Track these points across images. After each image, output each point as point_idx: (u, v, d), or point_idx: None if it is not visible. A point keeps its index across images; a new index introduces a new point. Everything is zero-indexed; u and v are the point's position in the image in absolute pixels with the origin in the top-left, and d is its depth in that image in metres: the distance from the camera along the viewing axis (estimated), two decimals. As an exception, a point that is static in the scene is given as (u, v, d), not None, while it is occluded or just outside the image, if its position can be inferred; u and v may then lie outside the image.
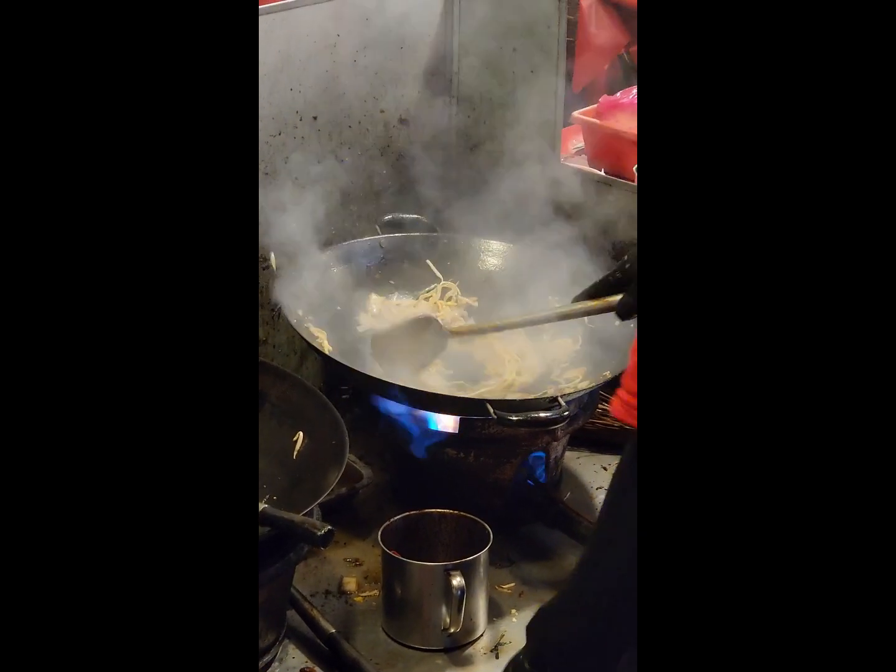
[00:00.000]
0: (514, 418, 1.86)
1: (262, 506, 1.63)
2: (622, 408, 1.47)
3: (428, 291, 2.30)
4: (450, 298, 2.29)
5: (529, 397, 1.96)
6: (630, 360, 1.48)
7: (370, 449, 2.25)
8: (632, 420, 1.42)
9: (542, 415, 1.87)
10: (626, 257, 1.72)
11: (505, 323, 2.06)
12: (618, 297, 1.68)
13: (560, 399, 1.90)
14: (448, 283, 2.30)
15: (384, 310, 2.26)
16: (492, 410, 1.87)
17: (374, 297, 2.26)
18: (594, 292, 1.77)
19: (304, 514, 1.62)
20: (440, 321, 2.10)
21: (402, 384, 1.93)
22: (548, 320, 1.98)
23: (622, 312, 1.67)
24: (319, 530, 1.57)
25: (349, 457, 2.12)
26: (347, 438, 1.82)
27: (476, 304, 2.28)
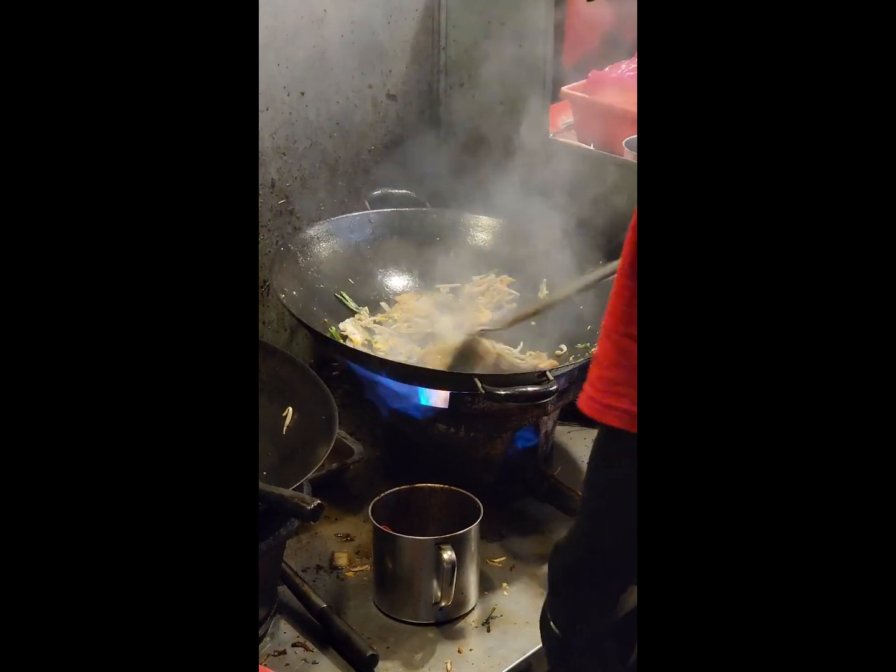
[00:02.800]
0: (503, 392, 1.86)
1: (251, 481, 1.63)
2: (589, 403, 1.37)
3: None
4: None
5: (518, 372, 1.96)
6: (598, 347, 1.40)
7: (360, 425, 2.26)
8: (597, 415, 1.35)
9: (531, 389, 1.87)
10: None
11: (539, 306, 2.09)
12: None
13: (548, 374, 1.90)
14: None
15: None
16: (480, 385, 1.87)
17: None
18: None
19: (293, 490, 1.62)
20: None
21: (388, 358, 1.93)
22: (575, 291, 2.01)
23: None
24: (309, 505, 1.57)
25: (339, 433, 2.12)
26: (337, 413, 1.81)
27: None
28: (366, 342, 2.12)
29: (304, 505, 1.58)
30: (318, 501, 1.58)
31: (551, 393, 1.87)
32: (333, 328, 2.14)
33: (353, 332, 2.11)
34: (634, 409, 1.23)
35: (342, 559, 1.97)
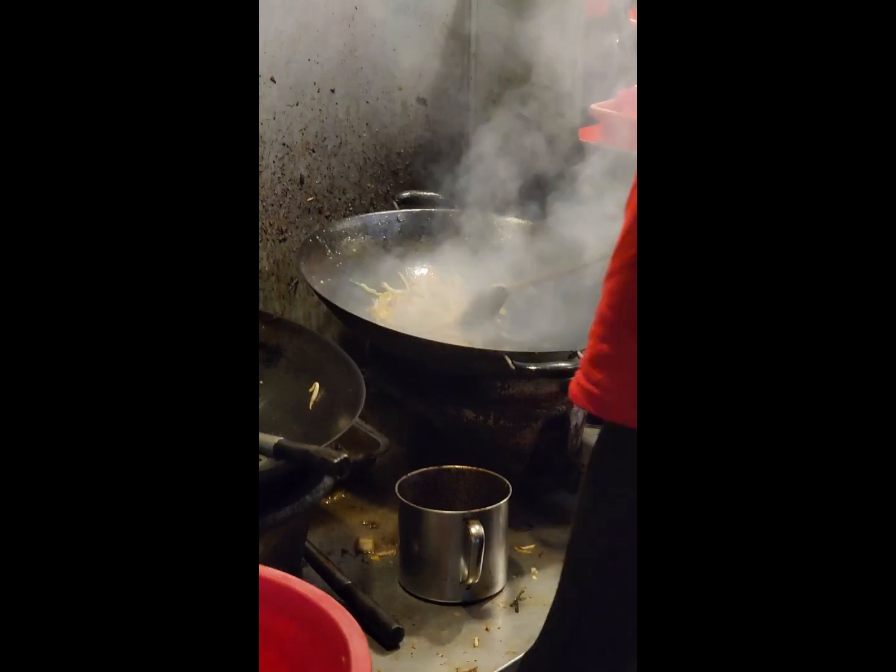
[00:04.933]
0: (533, 368, 1.83)
1: (277, 438, 1.60)
2: (580, 392, 1.38)
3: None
4: None
5: (547, 351, 1.94)
6: (588, 342, 1.39)
7: (387, 424, 2.22)
8: (588, 405, 1.37)
9: (562, 365, 1.84)
10: None
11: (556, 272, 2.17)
12: None
13: (579, 352, 1.87)
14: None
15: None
16: (510, 362, 1.85)
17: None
18: None
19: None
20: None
21: (415, 335, 1.91)
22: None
23: None
24: (335, 458, 1.54)
25: (366, 427, 2.10)
26: (364, 387, 1.79)
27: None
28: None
29: (331, 458, 1.54)
30: (345, 455, 1.55)
31: (582, 368, 1.84)
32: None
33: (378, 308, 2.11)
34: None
35: (367, 544, 1.94)
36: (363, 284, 2.20)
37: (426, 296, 2.21)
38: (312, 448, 1.57)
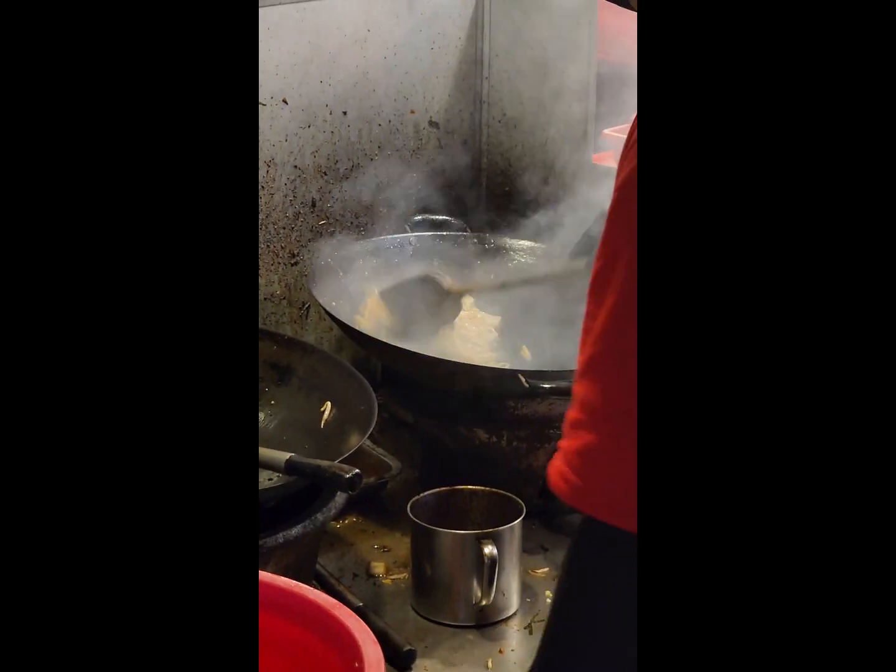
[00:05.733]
0: (547, 386, 1.82)
1: (288, 455, 1.58)
2: (562, 482, 1.22)
3: None
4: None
5: (560, 370, 1.91)
6: (566, 428, 1.25)
7: (399, 448, 2.20)
8: (578, 503, 1.22)
9: (577, 383, 1.82)
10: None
11: (505, 282, 2.15)
12: None
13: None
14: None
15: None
16: (523, 380, 1.83)
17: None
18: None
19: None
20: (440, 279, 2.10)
21: (426, 354, 1.90)
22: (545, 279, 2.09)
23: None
24: (347, 473, 1.52)
25: (378, 451, 2.09)
26: (376, 405, 1.77)
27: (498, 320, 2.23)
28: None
29: (343, 473, 1.53)
30: (356, 470, 1.53)
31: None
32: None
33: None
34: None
35: (379, 568, 1.91)
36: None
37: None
38: (324, 463, 1.55)
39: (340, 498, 1.68)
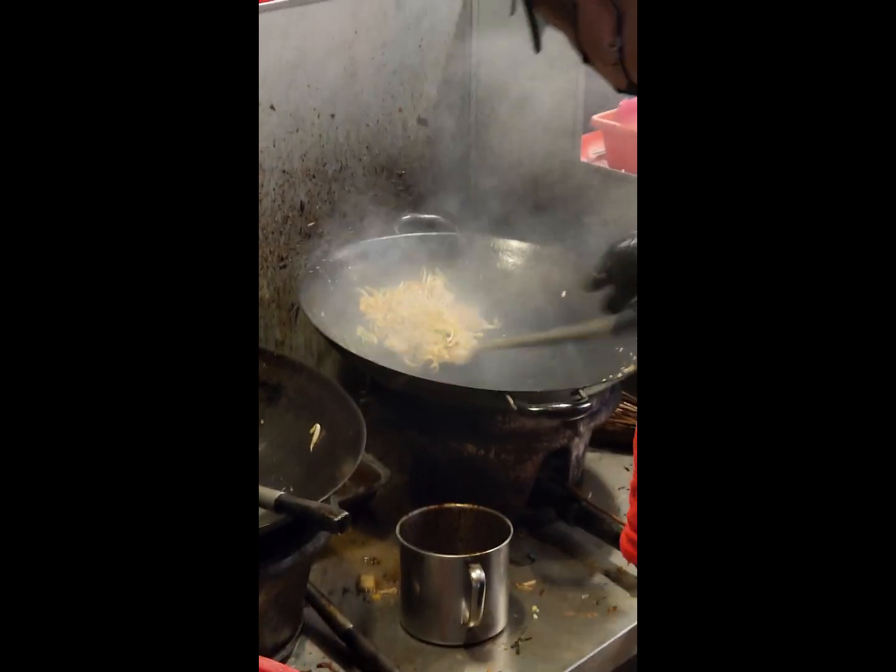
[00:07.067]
0: (535, 409, 1.83)
1: (278, 493, 1.60)
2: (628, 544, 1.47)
3: None
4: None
5: (550, 389, 1.93)
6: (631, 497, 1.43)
7: (388, 451, 2.21)
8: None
9: (564, 406, 1.84)
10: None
11: (524, 340, 2.15)
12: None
13: (581, 392, 1.87)
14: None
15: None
16: (511, 402, 1.84)
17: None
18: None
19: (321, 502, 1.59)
20: None
21: (414, 375, 1.91)
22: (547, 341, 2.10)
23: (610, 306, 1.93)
24: (336, 516, 1.54)
25: (367, 457, 2.10)
26: (365, 430, 1.79)
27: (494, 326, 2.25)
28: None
29: (332, 516, 1.55)
30: (346, 513, 1.55)
31: (584, 410, 1.85)
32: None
33: (367, 334, 2.09)
34: None
35: (369, 581, 1.93)
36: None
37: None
38: (314, 504, 1.57)
39: (330, 528, 1.70)
